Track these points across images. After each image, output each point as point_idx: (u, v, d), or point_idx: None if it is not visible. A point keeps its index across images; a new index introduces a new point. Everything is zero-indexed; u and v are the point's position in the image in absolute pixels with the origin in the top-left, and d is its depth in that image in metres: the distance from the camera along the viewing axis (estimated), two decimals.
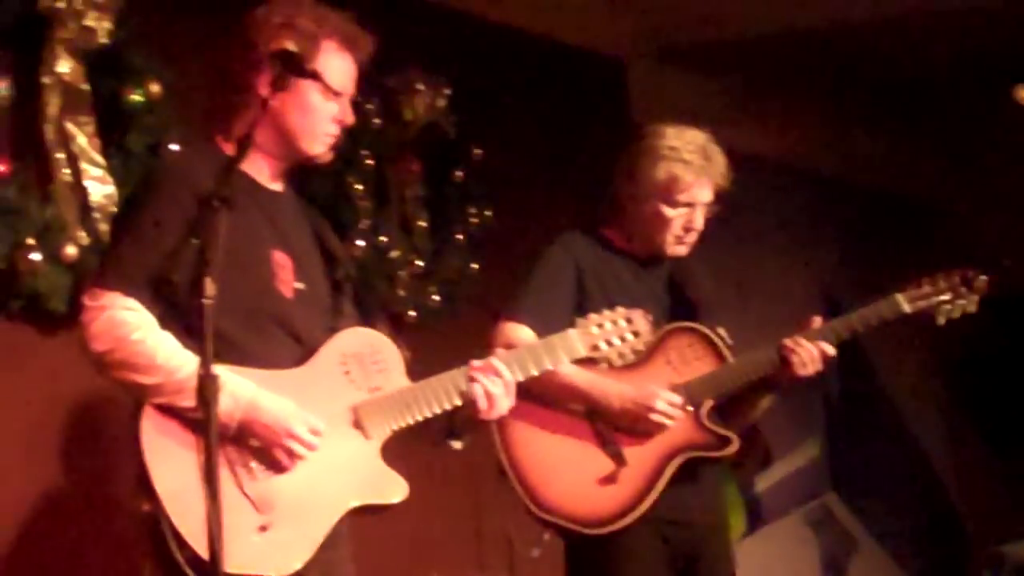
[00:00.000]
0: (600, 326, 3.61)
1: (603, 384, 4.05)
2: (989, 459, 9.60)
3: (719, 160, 4.19)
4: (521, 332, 4.02)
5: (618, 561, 4.01)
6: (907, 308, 4.23)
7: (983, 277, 4.29)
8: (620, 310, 3.64)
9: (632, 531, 4.00)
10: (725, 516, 4.37)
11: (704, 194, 4.18)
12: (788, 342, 4.14)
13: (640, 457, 4.05)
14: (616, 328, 3.61)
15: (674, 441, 4.08)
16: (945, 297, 4.25)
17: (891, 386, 9.10)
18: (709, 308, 4.30)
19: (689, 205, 4.17)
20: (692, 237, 4.22)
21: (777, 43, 7.19)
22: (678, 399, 4.05)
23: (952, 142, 8.80)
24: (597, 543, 4.00)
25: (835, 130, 8.47)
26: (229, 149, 3.25)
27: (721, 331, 4.25)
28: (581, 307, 4.03)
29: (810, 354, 4.13)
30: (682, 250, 4.23)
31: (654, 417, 4.02)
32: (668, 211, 4.16)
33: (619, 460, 4.02)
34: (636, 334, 3.63)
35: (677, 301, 4.27)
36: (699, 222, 4.20)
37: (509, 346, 3.92)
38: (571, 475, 4.02)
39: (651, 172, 4.14)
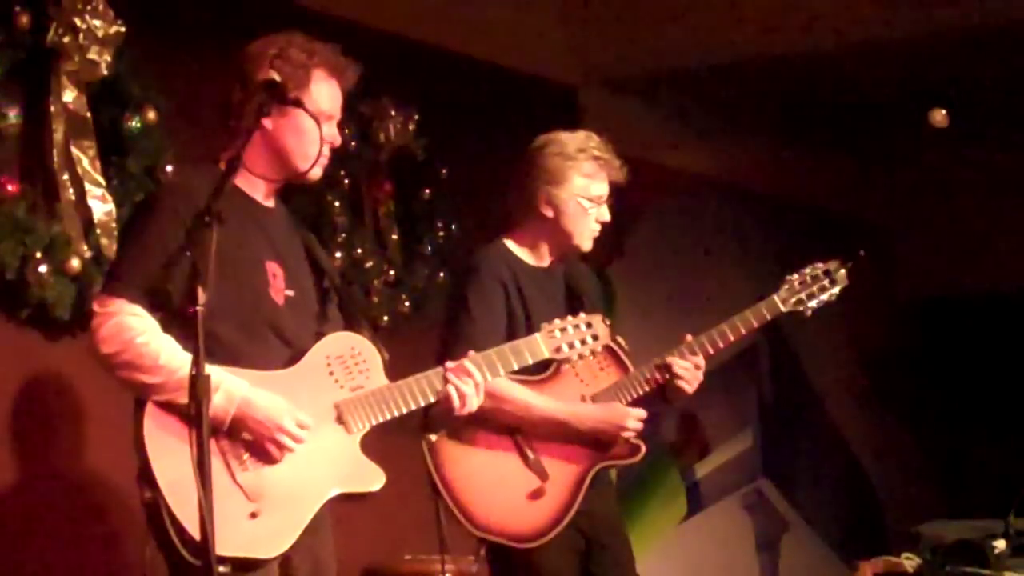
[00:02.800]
0: (563, 330, 3.61)
1: (574, 409, 4.01)
2: (907, 448, 9.66)
3: (614, 155, 4.18)
4: None
5: (536, 553, 3.96)
6: (783, 308, 4.21)
7: (842, 270, 4.28)
8: (581, 316, 3.64)
9: None
10: (617, 506, 4.32)
11: (607, 188, 4.16)
12: (660, 363, 4.09)
13: (561, 469, 4.00)
14: (577, 332, 3.62)
15: (592, 452, 4.04)
16: (812, 290, 4.23)
17: (818, 383, 9.16)
18: (596, 310, 4.16)
19: (599, 199, 4.14)
20: (598, 231, 4.18)
21: (717, 74, 7.24)
22: (643, 414, 4.03)
23: (875, 162, 8.87)
24: None
25: (771, 152, 8.52)
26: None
27: (620, 340, 4.18)
28: (509, 324, 4.00)
29: (686, 371, 4.09)
30: (591, 245, 4.19)
31: (626, 435, 4.01)
32: (588, 206, 4.11)
33: (543, 475, 3.97)
34: (595, 337, 3.63)
35: (571, 305, 4.16)
36: (607, 215, 4.17)
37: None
38: (501, 492, 3.95)
39: (570, 172, 4.10)
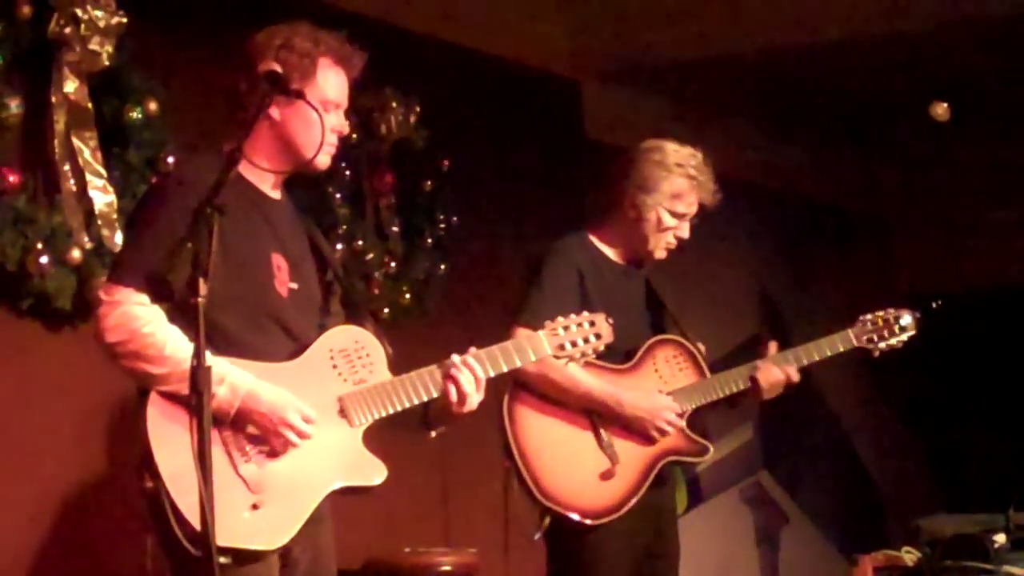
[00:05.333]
0: (566, 328, 3.60)
1: (618, 392, 4.10)
2: (907, 442, 9.66)
3: (711, 178, 4.28)
4: None
5: (598, 538, 4.06)
6: (855, 342, 4.42)
7: (912, 319, 4.47)
8: (585, 314, 3.64)
9: None
10: (675, 501, 4.42)
11: (695, 207, 4.27)
12: (759, 368, 4.26)
13: (632, 457, 4.11)
14: (580, 330, 3.61)
15: (662, 445, 4.15)
16: (883, 333, 4.44)
17: (818, 376, 9.15)
18: (681, 317, 4.38)
19: (684, 216, 4.25)
20: (674, 244, 4.30)
21: (717, 67, 7.24)
22: (680, 422, 4.14)
23: (875, 155, 8.87)
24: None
25: (772, 146, 8.52)
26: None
27: (700, 346, 4.32)
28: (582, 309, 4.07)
29: (777, 379, 4.28)
30: (664, 255, 4.30)
31: (660, 424, 4.10)
32: (669, 220, 4.23)
33: (614, 458, 4.07)
34: (598, 336, 3.62)
35: (652, 306, 4.33)
36: (687, 232, 4.28)
37: None
38: (573, 469, 4.05)
39: (663, 184, 4.21)
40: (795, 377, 4.30)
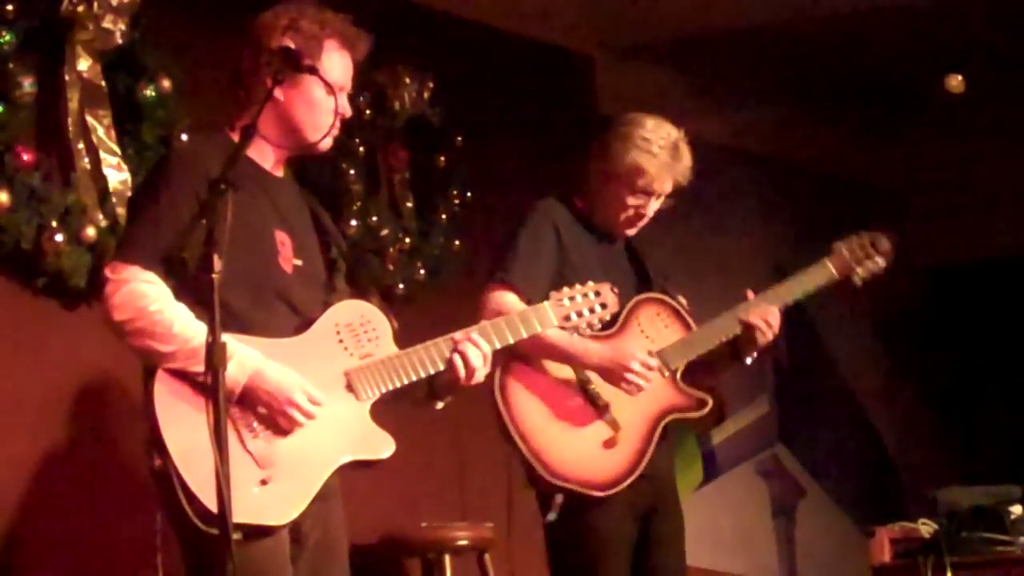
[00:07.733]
0: (571, 299, 3.57)
1: (583, 344, 3.95)
2: (922, 413, 9.62)
3: (685, 159, 4.12)
4: (508, 298, 3.94)
5: (596, 510, 3.95)
6: (835, 272, 4.24)
7: (885, 240, 4.29)
8: (590, 284, 3.60)
9: None
10: (675, 470, 4.32)
11: (664, 187, 4.12)
12: (746, 314, 4.11)
13: (632, 421, 4.00)
14: (586, 300, 3.58)
15: (660, 404, 4.04)
16: (861, 257, 4.26)
17: (833, 348, 9.12)
18: (666, 278, 4.28)
19: (647, 194, 4.11)
20: (641, 222, 4.18)
21: (731, 42, 7.19)
22: (653, 362, 4.00)
23: (888, 127, 8.81)
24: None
25: (786, 119, 8.46)
26: (237, 138, 3.19)
27: (682, 299, 4.21)
28: (560, 270, 4.01)
29: (767, 321, 4.11)
30: (631, 232, 4.19)
31: (630, 376, 3.96)
32: (628, 196, 4.10)
33: (615, 425, 3.97)
34: (604, 306, 3.59)
35: (637, 271, 4.23)
36: (651, 211, 4.15)
37: (498, 312, 3.85)
38: (575, 441, 3.95)
39: (621, 157, 4.08)
40: (776, 320, 4.13)
